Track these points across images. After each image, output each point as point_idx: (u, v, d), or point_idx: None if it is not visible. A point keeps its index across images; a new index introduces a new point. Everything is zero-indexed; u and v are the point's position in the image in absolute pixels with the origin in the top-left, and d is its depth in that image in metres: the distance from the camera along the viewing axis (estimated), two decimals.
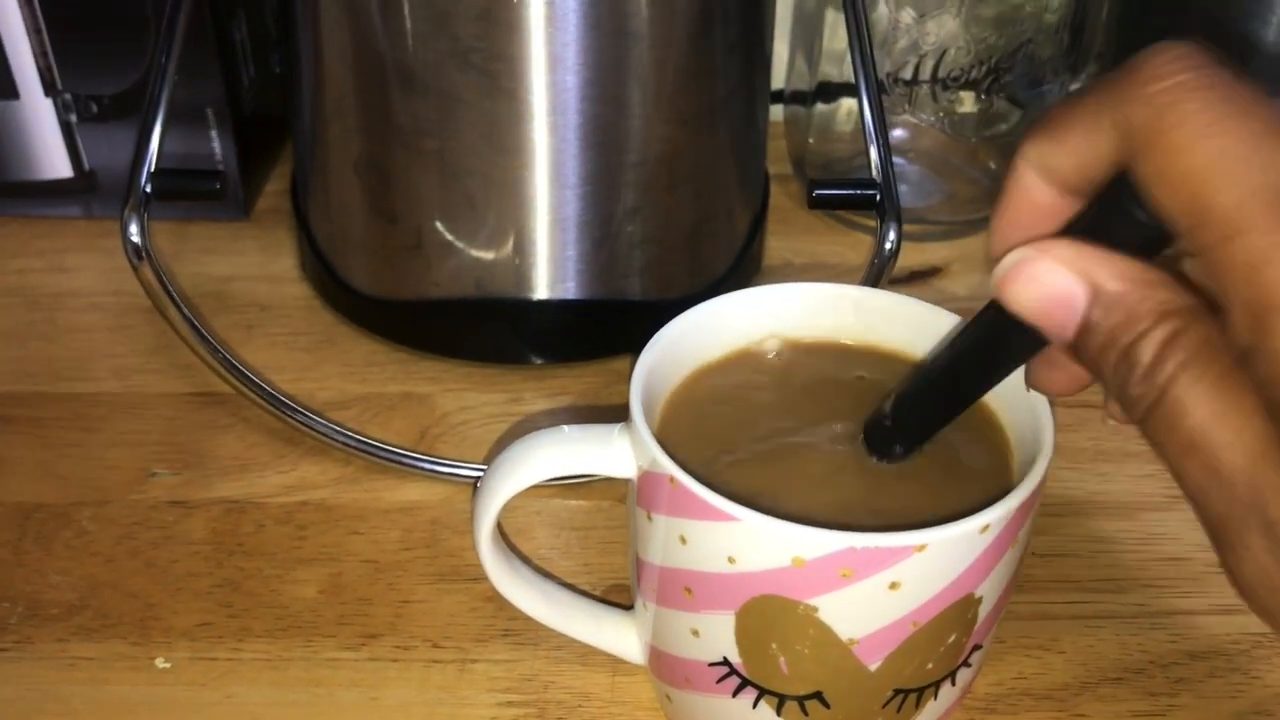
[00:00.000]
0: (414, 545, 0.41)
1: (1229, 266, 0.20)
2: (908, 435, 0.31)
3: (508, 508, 0.33)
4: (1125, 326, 0.22)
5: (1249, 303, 0.20)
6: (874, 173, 0.42)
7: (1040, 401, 0.31)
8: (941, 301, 0.54)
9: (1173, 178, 0.21)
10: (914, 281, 0.55)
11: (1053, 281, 0.23)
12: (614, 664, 0.37)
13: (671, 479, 0.29)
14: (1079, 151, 0.24)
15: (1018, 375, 0.31)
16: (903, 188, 0.59)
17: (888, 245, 0.42)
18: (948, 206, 0.59)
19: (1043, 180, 0.25)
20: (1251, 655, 0.38)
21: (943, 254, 0.57)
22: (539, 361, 0.49)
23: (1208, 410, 0.21)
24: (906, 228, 0.58)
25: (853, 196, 0.42)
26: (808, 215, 0.59)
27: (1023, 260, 0.24)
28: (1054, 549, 0.42)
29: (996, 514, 0.28)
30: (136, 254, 0.40)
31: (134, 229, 0.39)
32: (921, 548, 0.28)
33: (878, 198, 0.42)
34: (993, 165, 0.58)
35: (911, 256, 0.57)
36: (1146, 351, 0.22)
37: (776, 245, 0.57)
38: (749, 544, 0.29)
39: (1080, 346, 0.24)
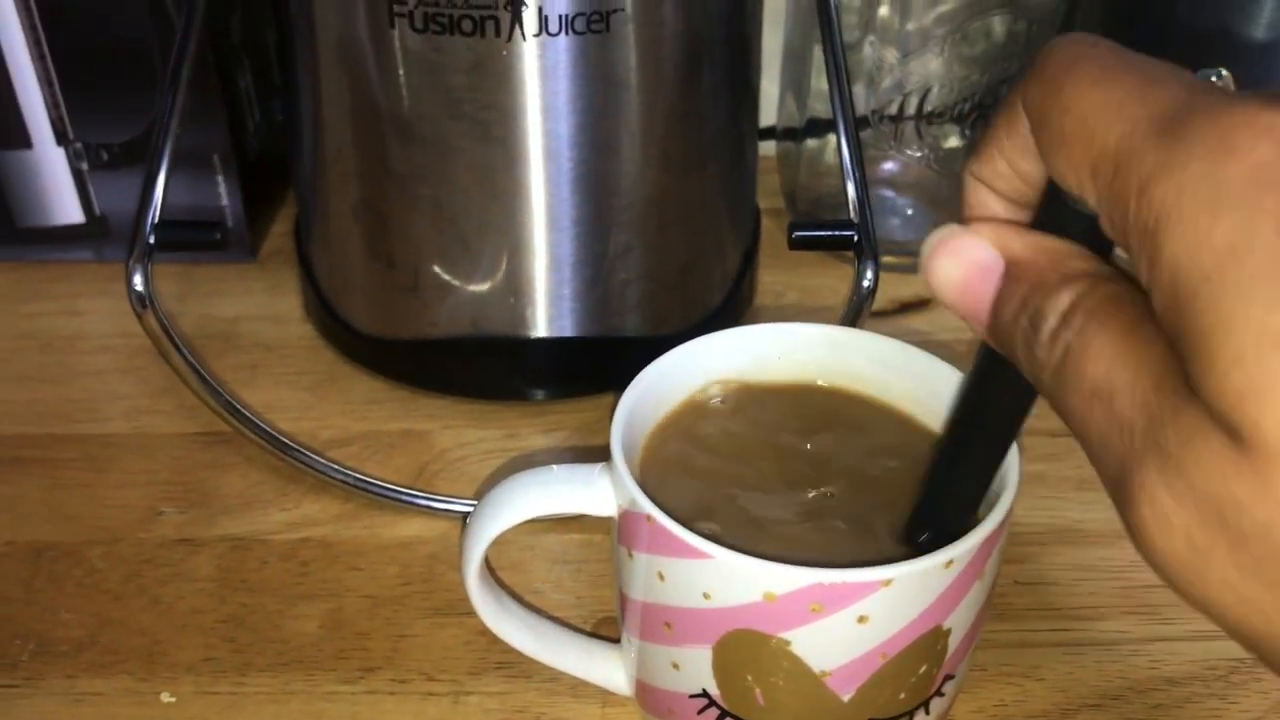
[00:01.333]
0: (412, 580, 0.43)
1: (1122, 198, 0.20)
2: (957, 512, 0.31)
3: (501, 542, 0.34)
4: (1035, 290, 0.23)
5: (1141, 225, 0.20)
6: (852, 212, 0.43)
7: None
8: (931, 332, 0.56)
9: (1066, 136, 0.21)
10: (904, 313, 0.57)
11: (972, 254, 0.24)
12: (604, 696, 0.38)
13: (649, 518, 0.30)
14: (1011, 159, 0.24)
15: None
16: (894, 221, 0.61)
17: (865, 283, 0.43)
18: None
19: (991, 198, 0.26)
20: (1228, 680, 0.39)
21: None
22: (536, 397, 0.50)
23: (1111, 354, 0.21)
24: (898, 260, 0.59)
25: (832, 238, 0.43)
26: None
27: (945, 237, 0.24)
28: (1036, 577, 0.43)
29: (960, 549, 0.29)
30: (141, 303, 0.41)
31: (138, 279, 0.41)
32: (887, 582, 0.29)
33: (855, 238, 0.43)
34: None
35: (902, 288, 0.58)
36: (1053, 311, 0.22)
37: (769, 279, 0.58)
38: (722, 580, 0.30)
39: (995, 321, 0.24)
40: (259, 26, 0.58)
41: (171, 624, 0.41)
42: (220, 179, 0.57)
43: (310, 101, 0.47)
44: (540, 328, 0.48)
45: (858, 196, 0.43)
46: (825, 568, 0.29)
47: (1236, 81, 0.29)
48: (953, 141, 0.55)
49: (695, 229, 0.50)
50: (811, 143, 0.58)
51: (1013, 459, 0.32)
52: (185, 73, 0.43)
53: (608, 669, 0.37)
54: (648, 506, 0.31)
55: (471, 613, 0.40)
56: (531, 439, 0.49)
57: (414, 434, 0.49)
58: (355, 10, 0.43)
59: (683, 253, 0.50)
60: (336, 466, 0.45)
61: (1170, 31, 0.50)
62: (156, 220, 0.41)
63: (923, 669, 0.31)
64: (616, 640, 0.37)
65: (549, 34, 0.42)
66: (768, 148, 0.62)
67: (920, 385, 0.36)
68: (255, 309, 0.56)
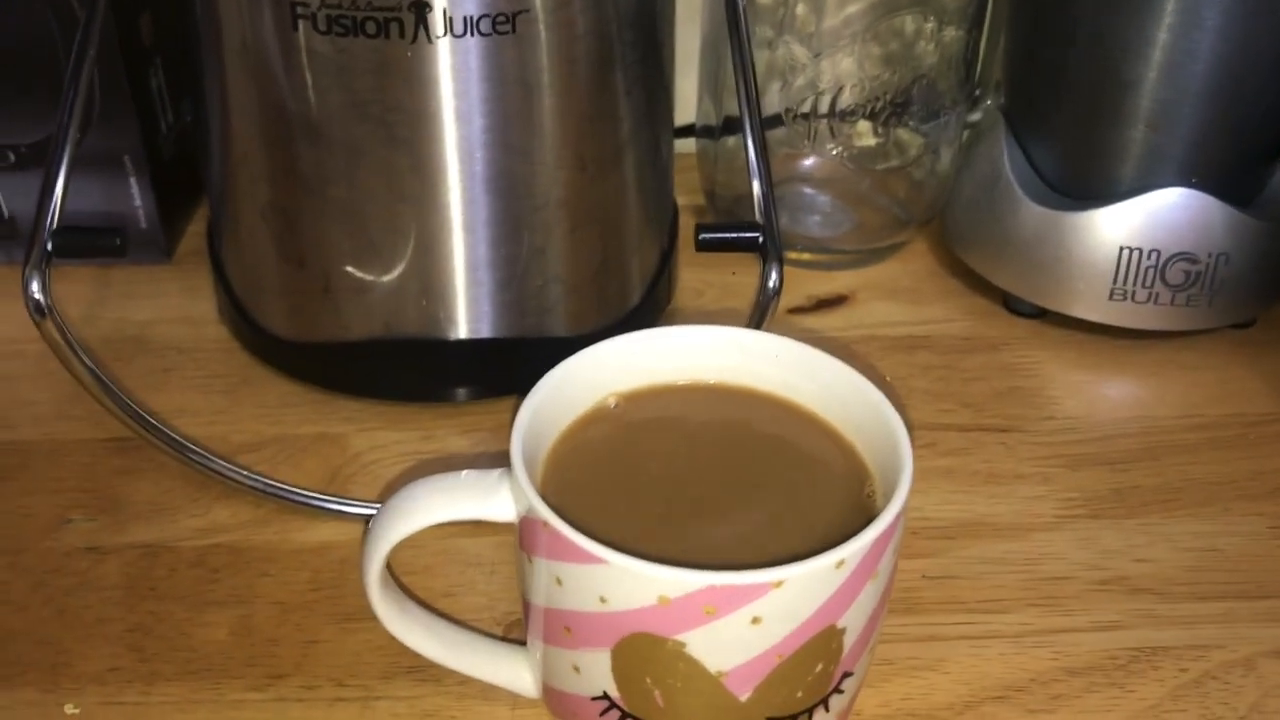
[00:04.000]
0: (322, 585, 0.42)
1: None
2: None
3: (413, 546, 0.34)
4: None
5: None
6: (757, 214, 0.44)
7: (901, 439, 0.33)
8: (847, 328, 0.56)
9: None
10: (821, 309, 0.57)
11: None
12: (514, 699, 0.38)
13: (545, 523, 0.31)
14: None
15: (878, 407, 0.33)
16: (814, 218, 0.61)
17: (771, 284, 0.43)
18: (856, 235, 0.60)
19: None
20: (1127, 670, 0.40)
21: (850, 282, 0.59)
22: (452, 399, 0.50)
23: None
24: (816, 257, 0.60)
25: (737, 239, 0.43)
26: None
27: None
28: (944, 571, 0.44)
29: (851, 549, 0.30)
30: (39, 311, 0.41)
31: (35, 286, 0.40)
32: (779, 584, 0.29)
33: (760, 239, 0.43)
34: (900, 194, 0.60)
35: (820, 285, 0.59)
36: None
37: (689, 277, 0.58)
38: (617, 584, 0.30)
39: None
40: (170, 27, 0.57)
41: (77, 634, 0.41)
42: (133, 180, 0.56)
43: (217, 103, 0.47)
44: (454, 329, 0.48)
45: (763, 196, 0.44)
46: (718, 570, 0.29)
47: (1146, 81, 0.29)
48: (866, 139, 0.56)
49: (610, 229, 0.50)
50: (729, 141, 0.59)
51: (906, 458, 0.32)
52: (85, 75, 0.42)
53: (515, 672, 0.37)
54: (544, 512, 0.31)
55: None
56: (448, 441, 0.49)
57: (328, 437, 0.49)
58: (259, 12, 0.42)
59: (598, 253, 0.50)
60: (245, 472, 0.44)
61: (1076, 32, 0.51)
62: (55, 226, 0.41)
63: (819, 667, 0.32)
64: (525, 644, 0.37)
65: (455, 35, 0.42)
66: (687, 145, 0.62)
67: (821, 386, 0.36)
68: (170, 311, 0.56)
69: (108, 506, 0.46)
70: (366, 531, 0.34)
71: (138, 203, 0.56)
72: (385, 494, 0.46)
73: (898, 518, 0.31)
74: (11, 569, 0.43)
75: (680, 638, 0.30)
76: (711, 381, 0.38)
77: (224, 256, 0.52)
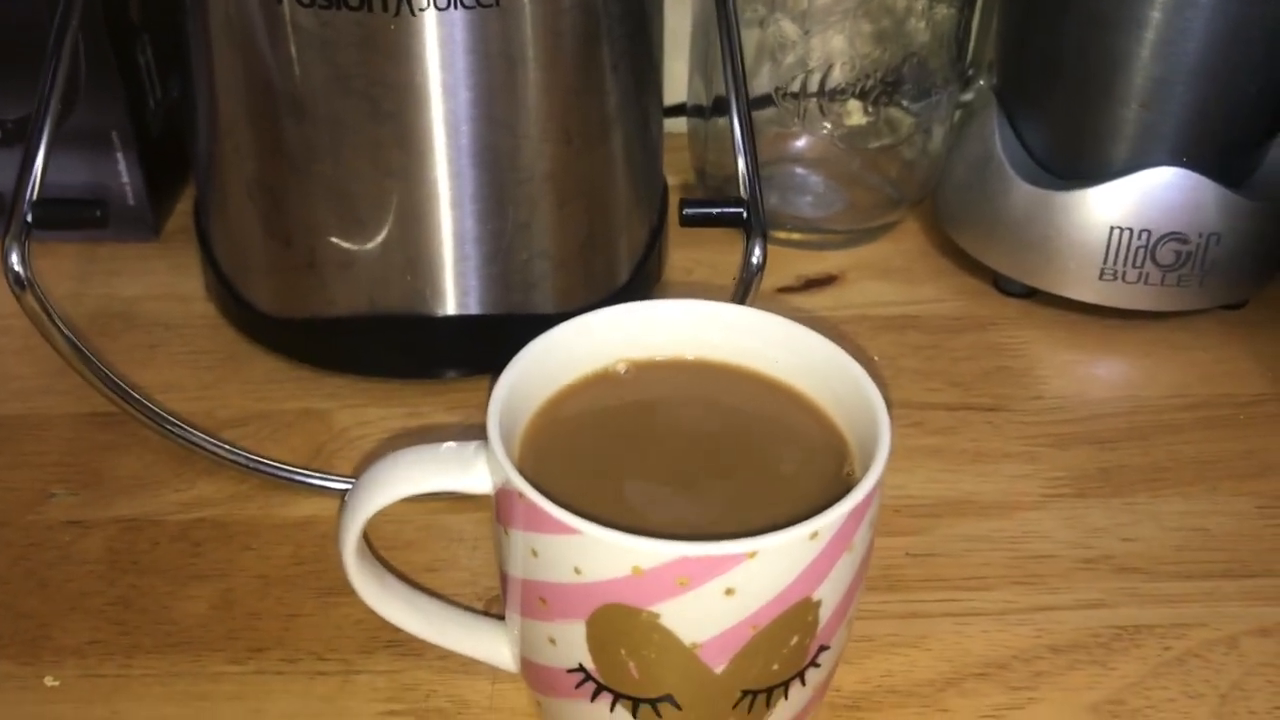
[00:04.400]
0: (305, 560, 0.42)
1: None
2: None
3: (396, 520, 0.34)
4: None
5: None
6: (742, 189, 0.43)
7: (879, 412, 0.33)
8: (839, 308, 0.56)
9: None
10: (810, 289, 0.57)
11: None
12: (494, 672, 0.38)
13: (520, 494, 0.30)
14: None
15: (858, 381, 0.33)
16: (805, 198, 0.61)
17: (754, 260, 0.43)
18: (847, 215, 0.60)
19: None
20: (1110, 648, 0.40)
21: (840, 262, 0.59)
22: (438, 375, 0.50)
23: None
24: (808, 237, 0.60)
25: (721, 215, 0.43)
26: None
27: None
28: (928, 549, 0.43)
29: (825, 521, 0.30)
30: (18, 283, 0.41)
31: (15, 258, 0.40)
32: (752, 554, 0.29)
33: (744, 215, 0.43)
34: (892, 174, 0.60)
35: (810, 265, 0.58)
36: None
37: (679, 256, 0.58)
38: (591, 555, 0.30)
39: None
40: (159, 3, 0.57)
41: (58, 607, 0.41)
42: (120, 156, 0.56)
43: (203, 78, 0.47)
44: (440, 305, 0.48)
45: (748, 173, 0.44)
46: (692, 540, 0.29)
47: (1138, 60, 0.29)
48: (856, 118, 0.56)
49: (597, 204, 0.50)
50: (719, 120, 0.58)
51: (884, 431, 0.32)
52: (68, 44, 0.42)
53: (493, 646, 0.37)
54: (520, 484, 0.30)
55: None
56: (434, 417, 0.49)
57: (313, 413, 0.49)
58: None
59: (584, 228, 0.50)
60: (228, 447, 0.44)
61: (1069, 10, 0.51)
62: (35, 198, 0.40)
63: (794, 640, 0.31)
64: (504, 617, 0.37)
65: (438, 8, 0.41)
66: (679, 125, 0.62)
67: (802, 360, 0.36)
68: (157, 288, 0.56)
69: (91, 481, 0.46)
70: (343, 504, 0.34)
71: (125, 179, 0.56)
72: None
73: (873, 491, 0.31)
74: None
75: (654, 609, 0.30)
76: (691, 357, 0.37)
77: (211, 233, 0.51)
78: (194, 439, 0.44)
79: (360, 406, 0.49)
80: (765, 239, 0.43)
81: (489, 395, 0.33)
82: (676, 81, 0.60)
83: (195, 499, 0.45)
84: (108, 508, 0.44)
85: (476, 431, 0.45)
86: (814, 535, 0.30)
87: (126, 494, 0.45)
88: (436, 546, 0.43)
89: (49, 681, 0.38)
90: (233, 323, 0.52)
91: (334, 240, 0.46)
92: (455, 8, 0.42)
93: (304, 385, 0.50)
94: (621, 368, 0.37)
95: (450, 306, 0.48)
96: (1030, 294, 0.55)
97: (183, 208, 0.60)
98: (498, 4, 0.42)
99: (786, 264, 0.58)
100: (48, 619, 0.40)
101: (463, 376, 0.50)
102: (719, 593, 0.29)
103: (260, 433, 0.48)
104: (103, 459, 0.46)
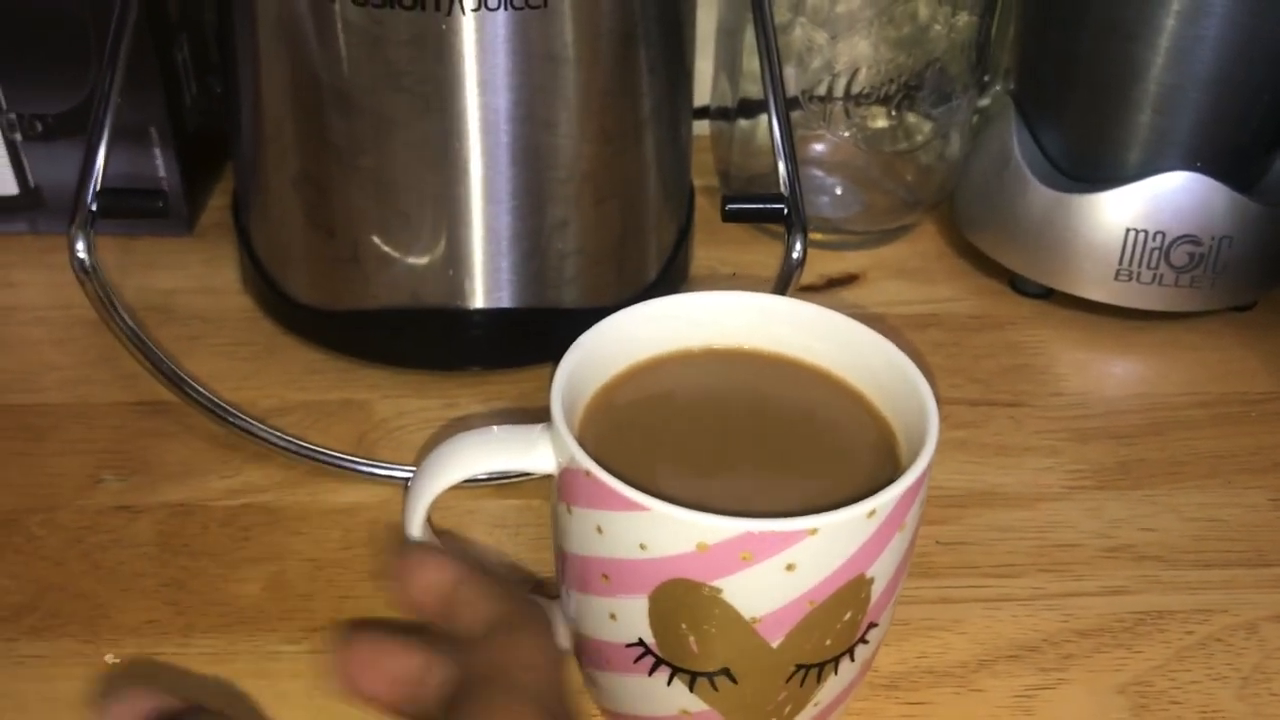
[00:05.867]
0: (353, 544, 0.44)
1: None
2: None
3: (441, 507, 0.35)
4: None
5: None
6: (782, 187, 0.45)
7: (926, 398, 0.34)
8: (858, 306, 0.58)
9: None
10: (832, 288, 0.58)
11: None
12: None
13: (587, 472, 0.32)
14: None
15: (904, 370, 0.34)
16: (824, 199, 0.62)
17: (795, 254, 0.44)
18: (865, 217, 0.62)
19: None
20: (1134, 632, 0.41)
21: (860, 262, 0.60)
22: (475, 368, 0.51)
23: None
24: (827, 238, 0.61)
25: (762, 210, 0.44)
26: (733, 227, 0.61)
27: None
28: (957, 538, 0.45)
29: (882, 500, 0.31)
30: (83, 270, 0.42)
31: (80, 245, 0.41)
32: (814, 531, 0.30)
33: (785, 210, 0.44)
34: (909, 178, 0.61)
35: (831, 265, 0.60)
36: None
37: (703, 255, 0.59)
38: (658, 532, 0.31)
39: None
40: (196, 2, 0.58)
41: (113, 588, 0.42)
42: (158, 151, 0.57)
43: (250, 75, 0.48)
44: (479, 299, 0.49)
45: (788, 171, 0.45)
46: (755, 518, 0.30)
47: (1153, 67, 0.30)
48: (879, 122, 0.57)
49: (631, 203, 0.51)
50: (744, 123, 0.60)
51: (931, 414, 0.33)
52: (126, 44, 0.43)
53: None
54: (586, 462, 0.32)
55: None
56: (471, 408, 0.50)
57: (354, 403, 0.50)
58: None
59: (618, 226, 0.51)
60: (277, 433, 0.45)
61: (1086, 18, 0.52)
62: (98, 188, 0.41)
63: (848, 615, 0.33)
64: (554, 598, 0.38)
65: (488, 9, 0.43)
66: (702, 127, 0.63)
67: (845, 350, 0.37)
68: (192, 282, 0.56)
69: (138, 467, 0.47)
70: (409, 484, 0.35)
71: (162, 174, 0.57)
72: (412, 458, 0.47)
73: (925, 472, 0.32)
74: (47, 525, 0.44)
75: (717, 584, 0.31)
76: (739, 346, 0.39)
77: (250, 226, 0.52)
78: (246, 425, 0.45)
79: (399, 397, 0.50)
80: (806, 233, 0.44)
81: (550, 377, 0.35)
82: (699, 84, 0.62)
83: (243, 485, 0.46)
84: (156, 493, 0.45)
85: (512, 418, 0.46)
86: (871, 514, 0.31)
87: (174, 480, 0.46)
88: (480, 532, 0.44)
89: (109, 659, 0.39)
90: (271, 315, 0.53)
91: (377, 234, 0.48)
92: (505, 9, 0.43)
93: (344, 376, 0.51)
94: (677, 355, 0.38)
95: (488, 300, 0.49)
96: (1047, 294, 0.57)
97: (215, 204, 0.61)
98: (545, 5, 0.43)
99: (809, 263, 0.59)
100: (104, 599, 0.41)
101: (497, 369, 0.52)
102: (780, 568, 0.31)
103: (303, 422, 0.49)
104: (149, 446, 0.47)
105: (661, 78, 0.50)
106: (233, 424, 0.45)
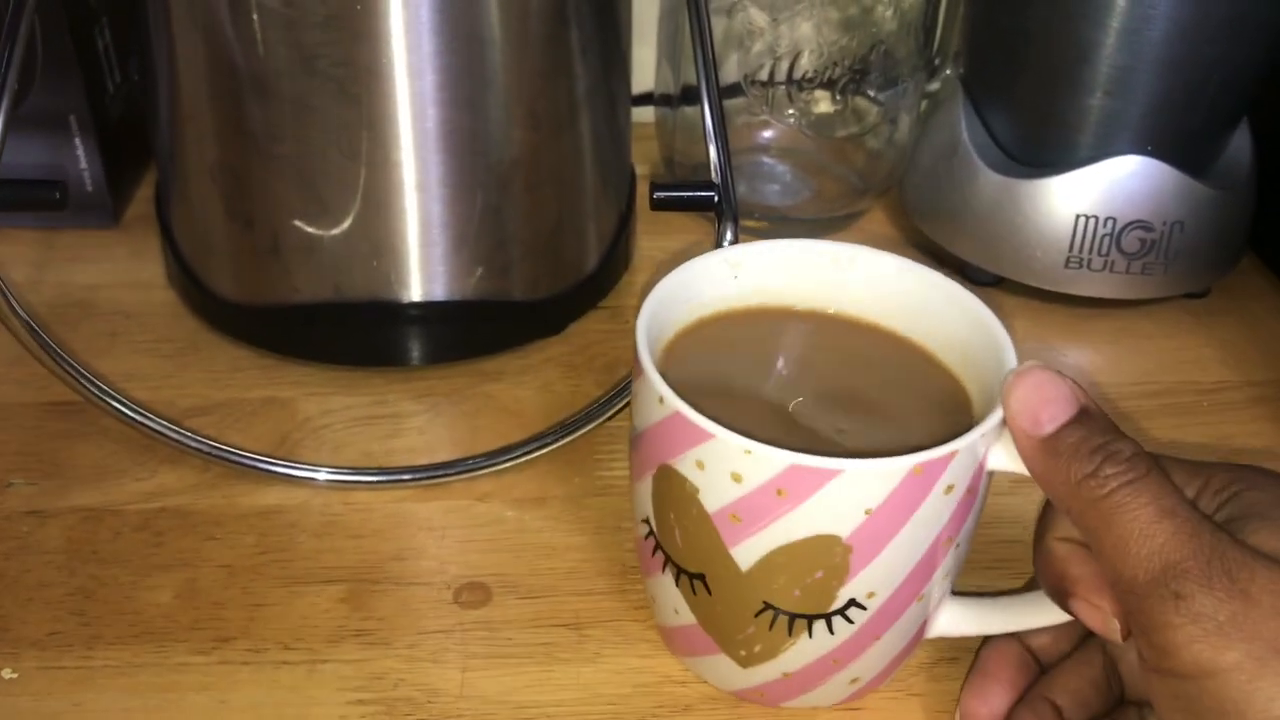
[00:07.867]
0: (269, 549, 0.42)
1: (1135, 614, 0.29)
2: None
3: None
4: (1104, 431, 0.31)
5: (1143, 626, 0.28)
6: (713, 174, 0.43)
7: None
8: None
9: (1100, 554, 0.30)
10: None
11: (1058, 386, 0.31)
12: (464, 661, 0.38)
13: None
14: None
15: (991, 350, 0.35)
16: (773, 187, 0.61)
17: (726, 244, 0.43)
18: (814, 204, 0.60)
19: None
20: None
21: None
22: (404, 363, 0.50)
23: (1131, 520, 0.29)
24: (774, 226, 0.60)
25: (692, 198, 0.43)
26: (681, 215, 0.60)
27: (1032, 368, 0.32)
28: None
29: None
30: None
31: None
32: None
33: (715, 198, 0.43)
34: (858, 164, 0.60)
35: None
36: (1120, 452, 0.30)
37: (648, 244, 0.58)
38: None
39: (1056, 439, 0.31)
40: None
41: (16, 598, 0.40)
42: (78, 141, 0.55)
43: (164, 59, 0.46)
44: (406, 291, 0.47)
45: (719, 158, 0.43)
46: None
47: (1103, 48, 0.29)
48: (823, 107, 0.56)
49: (566, 190, 0.49)
50: (687, 109, 0.58)
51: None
52: (23, 27, 0.41)
53: None
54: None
55: (330, 581, 0.40)
56: (400, 405, 0.48)
57: (277, 401, 0.48)
58: None
59: (554, 213, 0.49)
60: (190, 435, 0.43)
61: (1029, 29, 0.51)
62: None
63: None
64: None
65: None
66: (646, 114, 0.61)
67: (925, 309, 0.38)
68: (116, 276, 0.55)
69: (50, 470, 0.45)
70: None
71: (84, 165, 0.55)
72: (336, 458, 0.45)
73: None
74: None
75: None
76: (806, 307, 0.39)
77: (172, 218, 0.51)
78: (156, 427, 0.43)
79: (325, 395, 0.48)
80: (737, 223, 0.42)
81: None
82: (643, 70, 0.60)
83: (157, 488, 0.44)
84: (67, 497, 0.44)
85: (447, 420, 0.44)
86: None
87: (86, 484, 0.44)
88: (403, 535, 0.43)
89: (7, 674, 0.37)
90: (195, 310, 0.51)
91: (297, 224, 0.46)
92: None
93: (267, 373, 0.49)
94: (738, 312, 0.38)
95: (416, 293, 0.47)
96: (997, 282, 0.55)
97: (142, 194, 0.59)
98: None
99: None
100: (5, 610, 0.39)
101: (428, 363, 0.50)
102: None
103: (223, 422, 0.47)
104: (62, 448, 0.46)
105: (595, 60, 0.48)
106: (141, 425, 0.43)
